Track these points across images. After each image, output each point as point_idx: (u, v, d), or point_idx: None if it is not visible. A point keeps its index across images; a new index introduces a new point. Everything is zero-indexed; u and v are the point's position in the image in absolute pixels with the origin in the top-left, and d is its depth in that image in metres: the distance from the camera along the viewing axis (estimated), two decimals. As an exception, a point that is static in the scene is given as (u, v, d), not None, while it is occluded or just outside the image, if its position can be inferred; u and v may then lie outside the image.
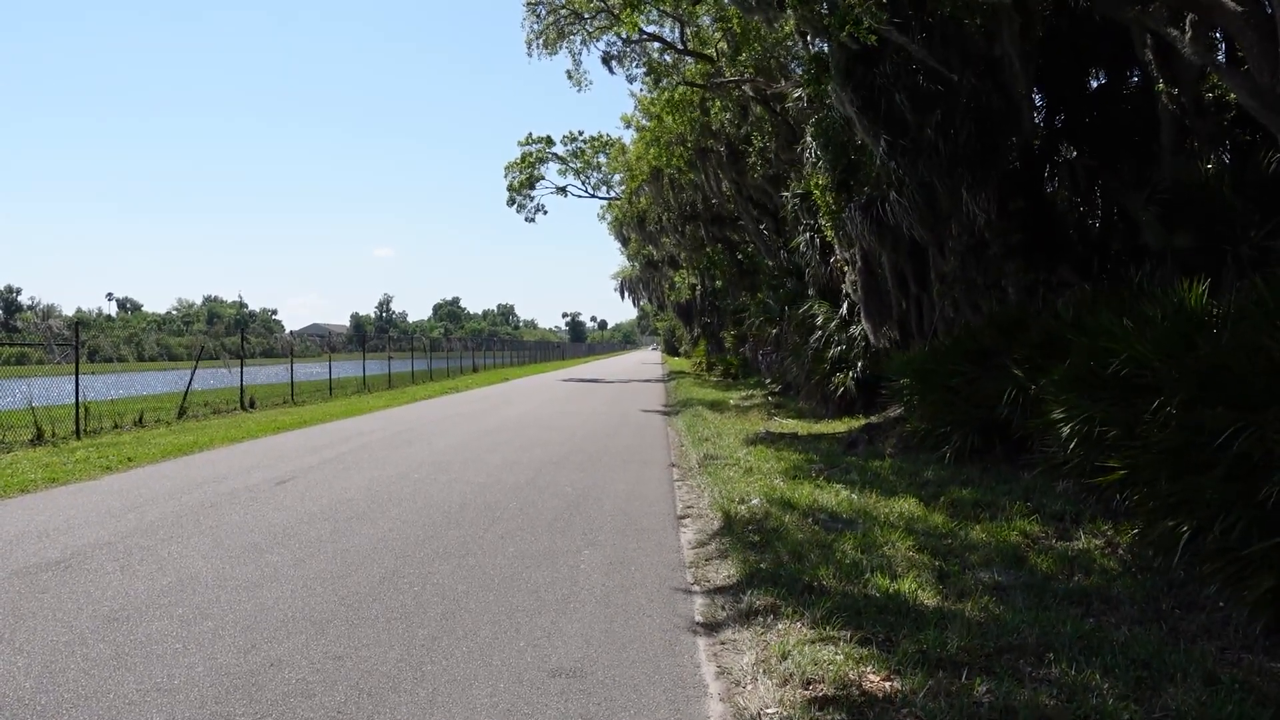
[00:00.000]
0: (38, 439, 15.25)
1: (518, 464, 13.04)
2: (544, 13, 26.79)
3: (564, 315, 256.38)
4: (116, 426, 17.56)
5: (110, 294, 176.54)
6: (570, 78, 29.24)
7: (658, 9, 26.00)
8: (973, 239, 13.83)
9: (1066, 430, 8.93)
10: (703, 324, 49.27)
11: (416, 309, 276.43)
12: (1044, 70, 13.92)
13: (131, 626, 5.70)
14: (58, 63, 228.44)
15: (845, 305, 19.44)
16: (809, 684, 4.60)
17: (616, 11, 24.14)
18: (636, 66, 29.33)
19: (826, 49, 15.39)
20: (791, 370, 22.87)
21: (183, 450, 14.38)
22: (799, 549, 7.24)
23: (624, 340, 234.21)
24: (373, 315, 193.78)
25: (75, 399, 16.65)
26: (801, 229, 21.77)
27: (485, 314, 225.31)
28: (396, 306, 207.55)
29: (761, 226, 30.07)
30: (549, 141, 43.71)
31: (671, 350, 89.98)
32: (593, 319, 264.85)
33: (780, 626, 5.47)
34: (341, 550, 7.75)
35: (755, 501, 9.31)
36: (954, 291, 14.34)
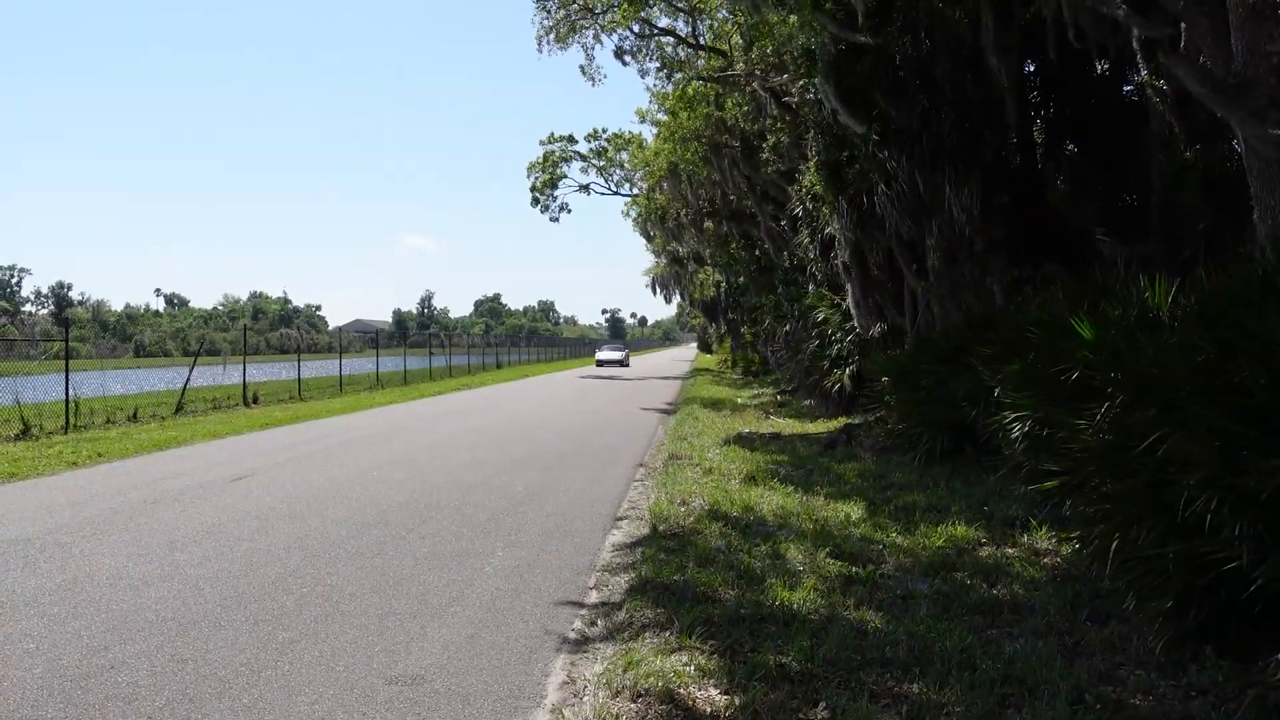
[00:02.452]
0: (23, 433, 15.42)
1: (483, 463, 12.91)
2: (554, 7, 26.65)
3: (604, 312, 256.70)
4: (109, 421, 17.74)
5: (158, 289, 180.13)
6: (584, 72, 29.12)
7: (666, 1, 25.81)
8: (956, 234, 13.44)
9: (1016, 432, 8.62)
10: (727, 321, 48.92)
11: (458, 305, 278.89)
12: (1034, 62, 13.51)
13: (-2, 625, 5.62)
14: (109, 65, 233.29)
15: (848, 300, 19.11)
16: (638, 697, 4.39)
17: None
18: (650, 61, 29.11)
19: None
20: (792, 368, 22.55)
21: (160, 446, 14.44)
22: (708, 556, 7.00)
23: (664, 337, 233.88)
24: (415, 311, 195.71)
25: (65, 395, 16.83)
26: (805, 224, 21.43)
27: (526, 310, 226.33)
28: (438, 302, 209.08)
29: (775, 222, 29.70)
30: (571, 140, 43.66)
31: (705, 347, 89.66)
32: (633, 315, 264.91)
33: (646, 637, 5.25)
34: (254, 549, 7.65)
35: (695, 504, 9.07)
36: (938, 288, 13.96)
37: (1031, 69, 14.07)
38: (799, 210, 22.28)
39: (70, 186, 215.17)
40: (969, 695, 4.44)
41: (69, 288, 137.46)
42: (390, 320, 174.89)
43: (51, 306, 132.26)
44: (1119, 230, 12.30)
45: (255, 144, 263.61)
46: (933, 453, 11.35)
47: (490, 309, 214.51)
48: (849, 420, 15.65)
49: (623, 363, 57.14)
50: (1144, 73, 11.56)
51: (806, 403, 20.96)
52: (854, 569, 6.74)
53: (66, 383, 17.02)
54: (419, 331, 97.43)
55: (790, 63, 23.50)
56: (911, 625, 5.43)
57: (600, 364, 56.77)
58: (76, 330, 21.42)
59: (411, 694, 4.59)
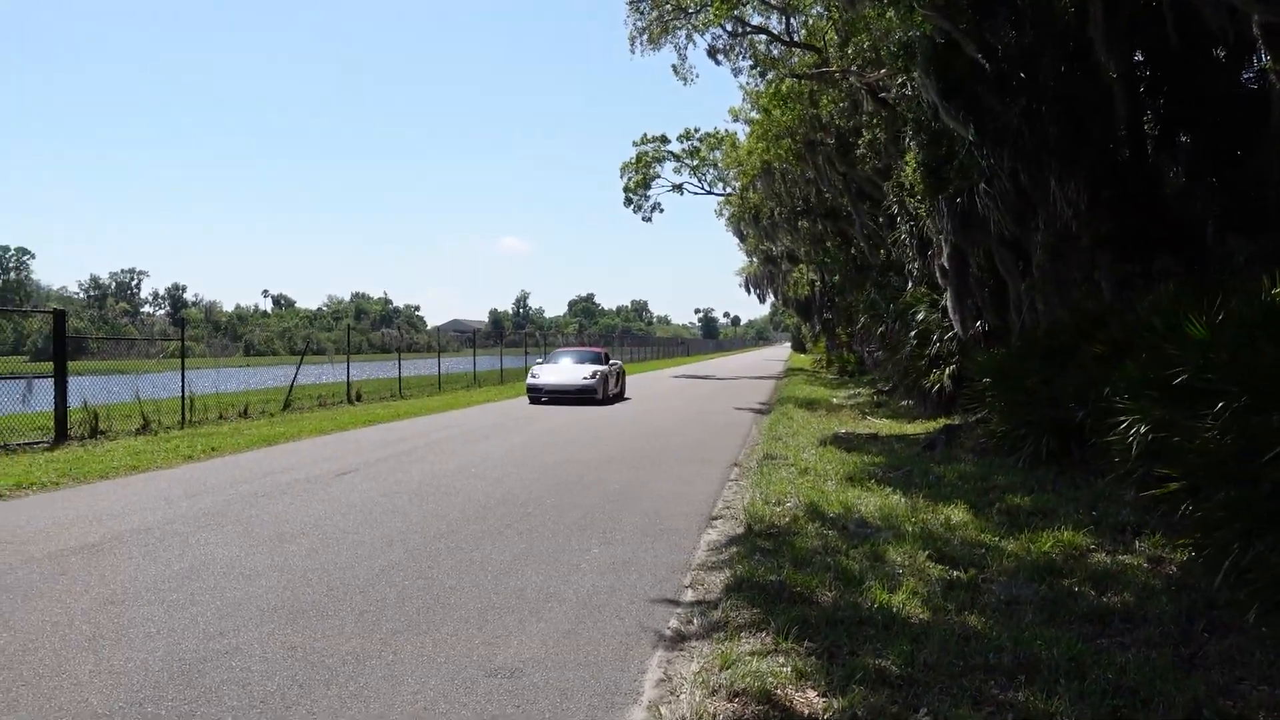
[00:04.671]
0: (143, 428, 16.16)
1: (578, 460, 13.04)
2: (647, 8, 26.73)
3: (696, 311, 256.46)
4: (222, 417, 18.48)
5: (266, 290, 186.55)
6: (676, 72, 29.11)
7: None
8: (1062, 230, 13.02)
9: (1131, 436, 8.32)
10: (822, 320, 48.37)
11: (553, 305, 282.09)
12: (1143, 51, 12.98)
13: (122, 610, 5.91)
14: (223, 80, 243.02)
15: (946, 300, 18.71)
16: (734, 697, 4.36)
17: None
18: (743, 59, 28.97)
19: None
20: (889, 368, 22.16)
21: (269, 441, 14.97)
22: (805, 557, 6.93)
23: (757, 336, 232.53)
24: (510, 311, 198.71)
25: (181, 391, 17.61)
26: (901, 221, 21.05)
27: (619, 310, 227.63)
28: (533, 302, 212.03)
29: (871, 220, 29.24)
30: (663, 140, 43.74)
31: (799, 347, 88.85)
32: (725, 315, 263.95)
33: (742, 637, 5.22)
34: (358, 542, 7.87)
35: (791, 504, 8.99)
36: (1044, 286, 13.55)
37: (1140, 58, 13.54)
38: (896, 208, 21.92)
39: (184, 191, 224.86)
40: (1078, 705, 4.30)
41: (183, 289, 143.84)
42: (486, 320, 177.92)
43: (167, 308, 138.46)
44: (1236, 224, 11.75)
45: (358, 153, 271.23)
46: (1037, 455, 11.02)
47: (584, 309, 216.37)
48: (949, 421, 15.31)
49: (586, 391, 24.62)
50: (1264, 59, 11.00)
51: (904, 403, 20.59)
52: (956, 573, 6.59)
53: (183, 380, 17.81)
54: (514, 331, 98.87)
55: (887, 58, 23.07)
56: (1016, 631, 5.28)
57: (537, 392, 25.05)
58: (191, 330, 22.44)
59: (510, 686, 4.66)
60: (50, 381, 15.04)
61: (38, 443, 14.18)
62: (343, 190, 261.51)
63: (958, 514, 8.54)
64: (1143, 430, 8.24)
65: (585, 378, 24.66)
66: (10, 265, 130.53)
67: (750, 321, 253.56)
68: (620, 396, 27.10)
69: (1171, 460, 7.66)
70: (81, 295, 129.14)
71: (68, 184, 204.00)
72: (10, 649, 5.16)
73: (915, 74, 15.18)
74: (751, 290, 69.61)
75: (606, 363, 26.64)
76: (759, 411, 22.07)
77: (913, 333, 19.32)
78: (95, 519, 8.82)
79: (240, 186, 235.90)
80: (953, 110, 13.85)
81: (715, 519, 8.96)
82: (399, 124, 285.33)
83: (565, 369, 25.70)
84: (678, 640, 5.38)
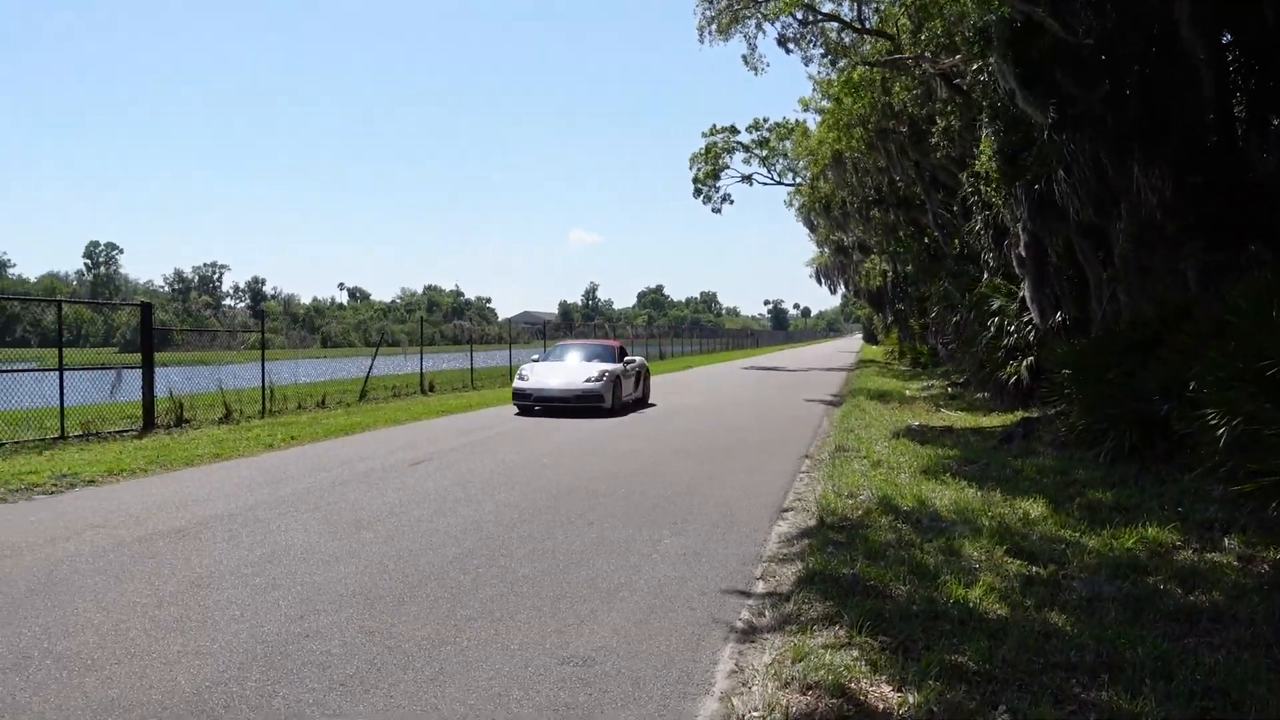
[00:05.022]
0: (225, 417, 16.64)
1: (647, 451, 13.09)
2: (717, -2, 26.54)
3: (766, 303, 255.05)
4: (300, 407, 18.95)
5: (341, 283, 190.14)
6: (745, 62, 28.89)
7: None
8: (1145, 218, 12.62)
9: (1219, 430, 8.05)
10: (895, 311, 47.69)
11: (621, 297, 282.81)
12: (1231, 32, 12.50)
13: (208, 593, 6.10)
14: (298, 77, 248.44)
15: (1024, 290, 18.30)
16: (808, 689, 4.33)
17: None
18: (814, 47, 28.60)
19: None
20: (963, 359, 21.76)
21: (345, 431, 15.30)
22: (878, 550, 6.85)
23: (828, 327, 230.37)
24: (579, 303, 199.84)
25: (262, 382, 18.11)
26: (976, 210, 20.63)
27: (688, 301, 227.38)
28: (602, 294, 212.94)
29: (945, 209, 28.71)
30: (733, 130, 43.49)
31: (870, 338, 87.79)
32: (795, 306, 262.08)
33: (815, 629, 5.18)
34: (433, 530, 8.01)
35: (863, 497, 8.89)
36: (1126, 276, 13.16)
37: (1228, 39, 13.04)
38: (971, 196, 21.49)
39: (264, 187, 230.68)
40: (1165, 705, 4.18)
41: (262, 282, 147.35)
42: (556, 312, 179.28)
43: (248, 300, 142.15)
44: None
45: (430, 147, 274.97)
46: (1119, 449, 10.72)
47: (652, 300, 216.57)
48: (1026, 414, 14.97)
49: (588, 397, 18.86)
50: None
51: (979, 396, 20.21)
52: (1034, 568, 6.45)
53: (263, 371, 18.33)
54: (584, 323, 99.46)
55: (962, 43, 22.59)
56: (1099, 629, 5.14)
57: (525, 399, 19.23)
58: (270, 322, 22.96)
59: (583, 674, 4.69)
60: (138, 372, 15.58)
61: (127, 431, 14.71)
62: (416, 185, 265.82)
63: (1036, 509, 8.35)
64: (1232, 423, 7.97)
65: (589, 380, 18.89)
66: (100, 260, 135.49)
67: (820, 313, 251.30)
68: (641, 403, 21.33)
69: (1262, 454, 7.41)
70: (166, 289, 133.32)
71: (154, 180, 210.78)
72: (104, 628, 5.37)
73: (991, 59, 14.84)
74: (822, 281, 68.86)
75: (620, 360, 20.67)
76: (830, 403, 21.86)
77: (989, 324, 18.93)
78: (182, 505, 9.12)
79: (317, 182, 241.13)
80: (1031, 96, 13.51)
81: (786, 511, 8.90)
82: (469, 118, 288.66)
83: (564, 368, 19.79)
84: (750, 632, 5.36)
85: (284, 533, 7.88)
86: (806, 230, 51.52)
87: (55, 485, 10.16)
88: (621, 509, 8.95)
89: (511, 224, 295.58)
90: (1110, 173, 12.70)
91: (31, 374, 15.78)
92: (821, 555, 6.74)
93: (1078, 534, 7.40)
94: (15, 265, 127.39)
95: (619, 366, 20.03)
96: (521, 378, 19.38)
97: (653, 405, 21.26)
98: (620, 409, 19.18)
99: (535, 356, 21.56)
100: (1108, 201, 13.20)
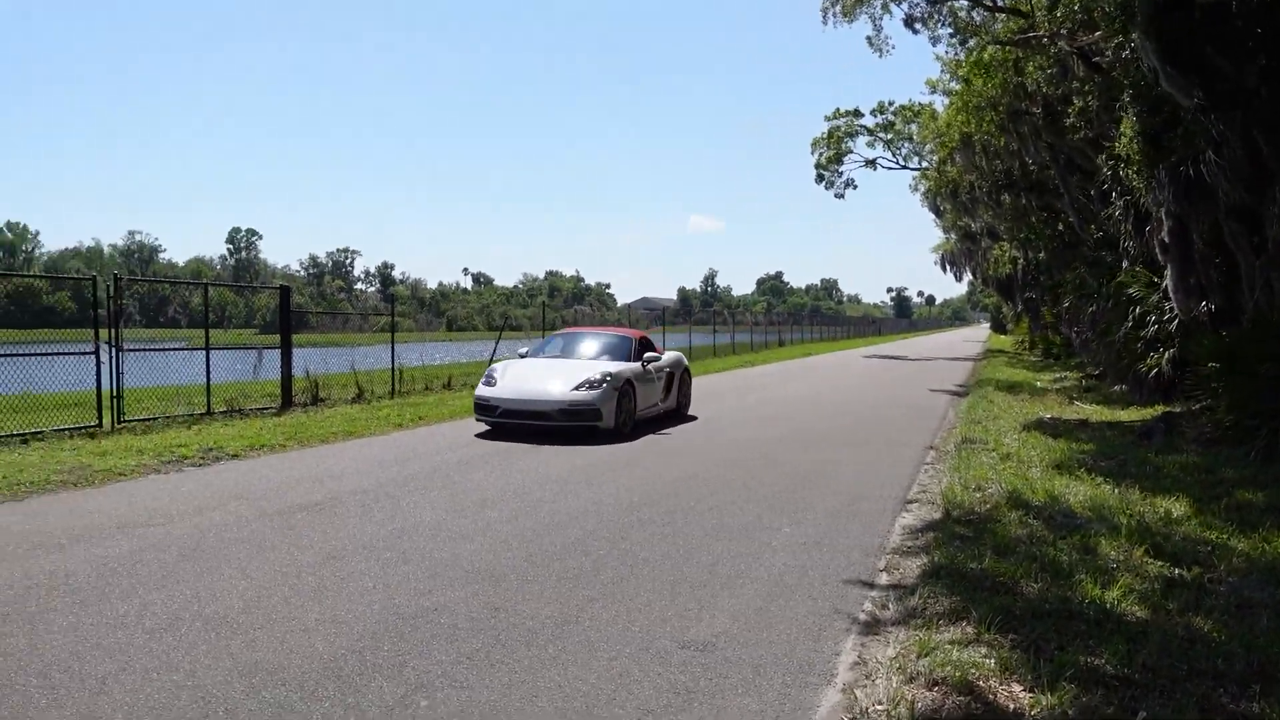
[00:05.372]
0: (358, 397, 17.30)
1: (766, 439, 13.01)
2: (842, -22, 26.02)
3: (888, 290, 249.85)
4: (427, 389, 19.54)
5: (466, 269, 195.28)
6: (870, 44, 28.22)
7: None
8: (1306, 201, 11.81)
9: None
10: (1025, 300, 46.01)
11: (740, 283, 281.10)
12: None
13: (342, 564, 6.35)
14: (417, 69, 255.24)
15: (1166, 278, 17.40)
16: (934, 685, 4.23)
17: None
18: (942, 27, 27.73)
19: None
20: (1099, 350, 20.84)
21: (470, 412, 15.61)
22: (1008, 545, 6.63)
23: (953, 316, 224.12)
24: (698, 289, 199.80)
25: (391, 363, 18.76)
26: (1115, 195, 19.69)
27: (808, 289, 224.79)
28: (721, 281, 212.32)
29: (1081, 194, 27.50)
30: (856, 114, 42.59)
31: (999, 327, 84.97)
32: (920, 294, 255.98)
33: (941, 625, 5.06)
34: (555, 511, 8.15)
35: (992, 491, 8.62)
36: (1281, 263, 12.34)
37: None
38: (1109, 180, 20.52)
39: (393, 174, 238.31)
40: (1323, 720, 3.93)
41: (391, 267, 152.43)
42: (675, 298, 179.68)
43: (377, 285, 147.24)
44: None
45: (551, 134, 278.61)
46: (1272, 448, 10.10)
47: (772, 287, 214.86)
48: (1167, 409, 14.25)
49: (577, 412, 13.01)
50: None
51: (1115, 388, 19.34)
52: (1177, 570, 6.13)
53: (393, 353, 18.97)
54: (702, 309, 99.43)
55: (1101, 19, 21.53)
56: (1249, 637, 4.86)
57: (487, 411, 13.54)
58: (399, 306, 23.76)
59: (703, 660, 4.70)
60: (277, 352, 16.36)
61: (267, 408, 15.45)
62: (537, 170, 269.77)
63: (1179, 508, 7.94)
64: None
65: (580, 387, 13.16)
66: (242, 245, 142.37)
67: (946, 301, 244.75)
68: (678, 413, 15.81)
69: None
70: (302, 273, 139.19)
71: (290, 166, 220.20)
72: (248, 594, 5.65)
73: (1133, 35, 14.11)
74: (948, 268, 66.89)
75: (638, 357, 14.75)
76: (955, 394, 21.29)
77: (1128, 313, 18.08)
78: (318, 480, 9.53)
79: (442, 168, 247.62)
80: (1176, 73, 12.78)
81: (910, 503, 8.72)
82: (590, 103, 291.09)
83: (550, 369, 14.10)
84: (872, 624, 5.27)
85: (413, 509, 8.15)
86: (932, 216, 50.14)
87: (203, 458, 10.74)
88: (739, 497, 8.95)
89: (632, 210, 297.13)
90: (1265, 152, 11.93)
91: (182, 353, 16.75)
92: (948, 549, 6.58)
93: (1225, 536, 7.01)
94: (165, 250, 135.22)
95: (632, 367, 14.14)
96: (488, 380, 13.69)
97: (692, 419, 15.57)
98: (631, 429, 13.56)
99: (522, 350, 16.07)
100: (1262, 182, 12.40)
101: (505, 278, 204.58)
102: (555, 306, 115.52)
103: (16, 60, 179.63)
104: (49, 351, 14.56)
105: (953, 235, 52.84)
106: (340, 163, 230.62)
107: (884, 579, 6.20)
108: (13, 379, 12.30)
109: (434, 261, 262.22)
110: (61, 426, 12.29)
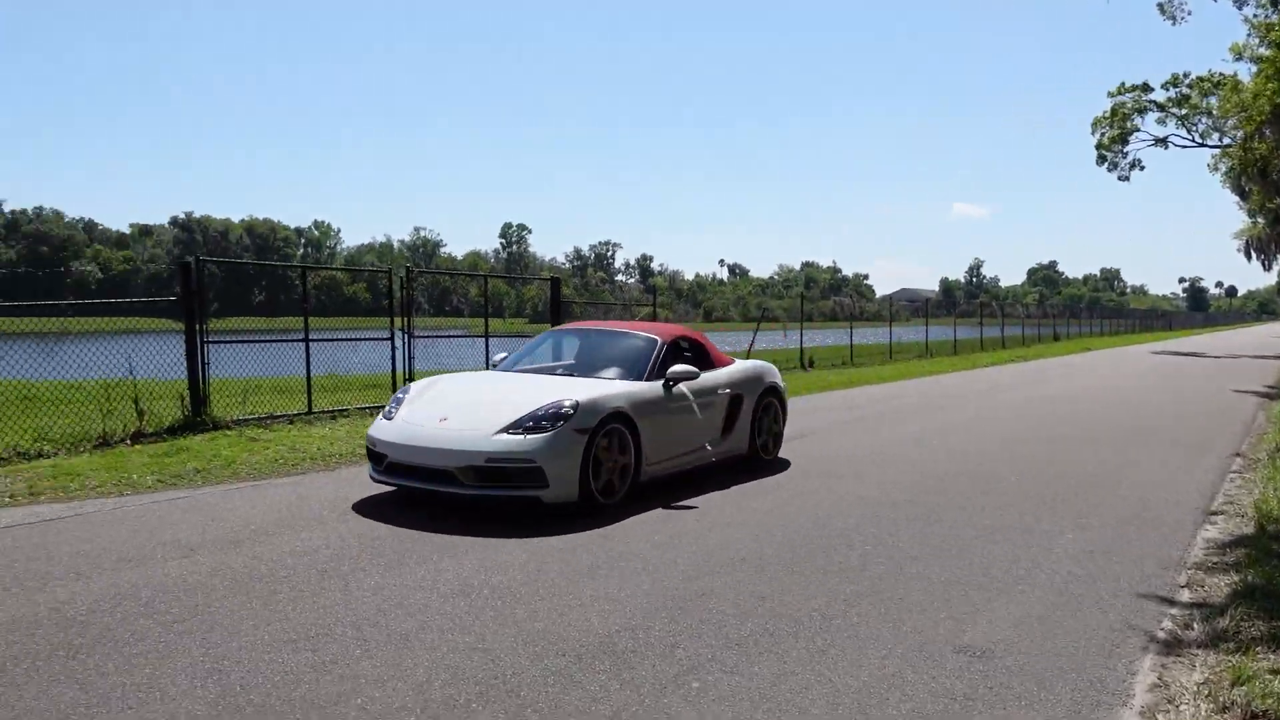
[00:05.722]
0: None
1: (1040, 437, 12.24)
2: (1136, -59, 23.95)
3: (1180, 281, 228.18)
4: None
5: (722, 260, 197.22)
6: (1163, 11, 25.85)
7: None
8: None
9: None
10: (1351, 291, 40.57)
11: (1009, 273, 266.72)
12: None
13: (612, 544, 6.57)
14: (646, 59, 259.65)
15: None
16: (1254, 718, 3.78)
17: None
18: (1250, -14, 24.89)
19: None
20: None
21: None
22: (1338, 565, 5.84)
23: (1259, 309, 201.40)
24: (962, 280, 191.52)
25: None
26: None
27: (1086, 279, 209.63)
28: (987, 271, 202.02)
29: None
30: (1145, 88, 39.01)
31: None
32: (1218, 285, 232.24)
33: (1258, 651, 4.53)
34: (819, 504, 8.07)
35: (1317, 504, 7.63)
36: None
37: None
38: None
39: (648, 169, 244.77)
40: None
41: (650, 259, 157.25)
42: (937, 289, 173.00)
43: (637, 276, 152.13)
44: None
45: (806, 122, 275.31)
46: None
47: (1044, 277, 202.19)
48: None
49: (494, 471, 7.13)
50: None
51: None
52: None
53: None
54: (967, 301, 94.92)
55: None
56: None
57: (376, 459, 7.79)
58: (660, 296, 24.38)
59: (981, 666, 4.46)
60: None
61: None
62: (791, 160, 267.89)
63: None
64: None
65: (514, 427, 7.30)
66: (513, 239, 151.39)
67: (1250, 292, 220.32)
68: (766, 453, 10.15)
69: None
70: (567, 265, 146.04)
71: (560, 161, 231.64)
72: (529, 567, 5.99)
73: None
74: (1253, 256, 60.07)
75: (660, 371, 8.81)
76: (1266, 395, 19.08)
77: None
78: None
79: (698, 161, 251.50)
80: None
81: (1215, 514, 7.88)
82: (844, 89, 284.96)
83: (494, 390, 8.32)
84: (1173, 645, 4.80)
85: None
86: (1235, 198, 45.29)
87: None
88: (1014, 497, 8.44)
89: (890, 198, 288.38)
90: None
91: (465, 339, 18.03)
92: (1264, 567, 5.89)
93: None
94: (446, 245, 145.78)
95: (636, 389, 8.37)
96: (387, 413, 8.19)
97: (782, 465, 10.05)
98: (614, 500, 7.78)
99: (502, 354, 10.36)
100: None
101: (761, 268, 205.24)
102: (811, 298, 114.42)
103: (321, 78, 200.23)
104: (352, 337, 16.14)
105: (1260, 219, 47.44)
106: (601, 156, 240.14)
107: (1185, 596, 5.64)
108: (323, 362, 13.74)
109: (692, 252, 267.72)
110: (363, 405, 13.57)
